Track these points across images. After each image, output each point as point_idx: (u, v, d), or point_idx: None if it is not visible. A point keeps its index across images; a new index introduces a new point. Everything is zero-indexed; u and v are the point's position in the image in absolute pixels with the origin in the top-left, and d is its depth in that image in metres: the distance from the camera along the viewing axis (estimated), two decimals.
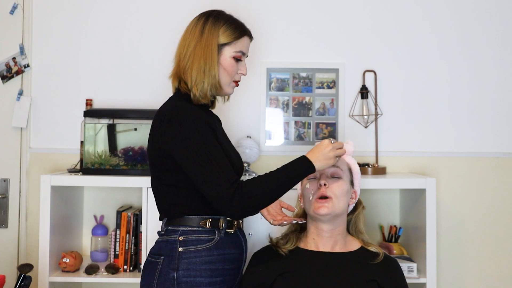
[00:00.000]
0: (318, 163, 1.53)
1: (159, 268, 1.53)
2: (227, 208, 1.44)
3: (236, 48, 1.61)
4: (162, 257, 1.54)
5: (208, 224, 1.56)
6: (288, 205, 1.75)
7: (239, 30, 1.62)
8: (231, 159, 1.57)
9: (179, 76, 1.62)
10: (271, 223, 1.71)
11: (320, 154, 1.54)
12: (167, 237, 1.57)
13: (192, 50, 1.58)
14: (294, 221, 1.71)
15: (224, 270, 1.56)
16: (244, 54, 1.64)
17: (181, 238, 1.54)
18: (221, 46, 1.59)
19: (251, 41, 1.69)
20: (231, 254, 1.59)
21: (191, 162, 1.47)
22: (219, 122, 1.83)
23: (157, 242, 1.61)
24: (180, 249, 1.53)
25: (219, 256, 1.55)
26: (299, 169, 1.52)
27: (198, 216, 1.56)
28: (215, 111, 1.79)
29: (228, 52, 1.60)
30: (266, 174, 1.51)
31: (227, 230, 1.58)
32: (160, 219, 1.65)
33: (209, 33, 1.58)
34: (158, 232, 1.64)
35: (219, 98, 1.77)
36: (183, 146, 1.47)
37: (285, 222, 1.70)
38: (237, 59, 1.62)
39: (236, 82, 1.67)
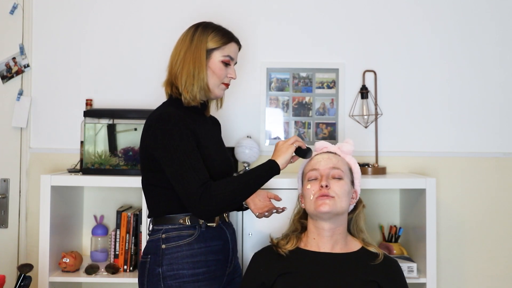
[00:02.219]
0: (279, 159, 1.64)
1: (147, 266, 1.64)
2: (195, 207, 1.54)
3: (224, 53, 1.71)
4: (149, 255, 1.65)
5: (187, 221, 1.65)
6: (275, 195, 1.84)
7: (227, 36, 1.73)
8: (213, 163, 1.66)
9: (171, 83, 1.72)
10: (256, 216, 1.80)
11: (276, 152, 1.67)
12: (152, 237, 1.68)
13: (182, 56, 1.69)
14: (274, 211, 1.79)
15: (207, 262, 1.64)
16: (232, 59, 1.73)
17: (163, 236, 1.64)
18: (209, 51, 1.70)
19: (239, 48, 1.78)
20: (213, 246, 1.67)
21: (169, 165, 1.57)
22: (216, 125, 1.91)
23: (146, 242, 1.71)
24: (163, 246, 1.63)
25: (200, 249, 1.64)
26: (263, 168, 1.62)
27: (179, 214, 1.65)
28: (215, 113, 1.84)
29: (217, 57, 1.70)
30: (235, 176, 1.62)
31: (208, 224, 1.67)
32: (148, 217, 1.75)
33: (198, 40, 1.69)
34: (147, 233, 1.74)
35: (212, 105, 1.83)
36: (163, 150, 1.58)
37: (266, 214, 1.79)
38: (226, 63, 1.71)
39: (225, 84, 1.75)
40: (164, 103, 1.75)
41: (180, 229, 1.64)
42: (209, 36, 1.69)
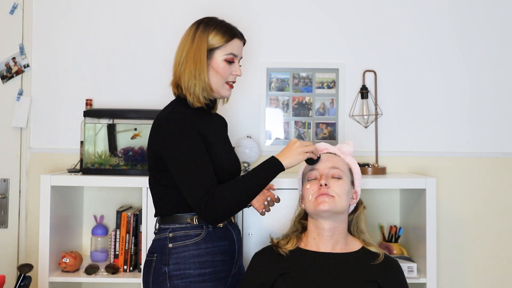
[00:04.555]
0: (286, 160, 1.58)
1: (153, 265, 1.63)
2: (201, 214, 1.53)
3: (226, 51, 1.67)
4: (155, 254, 1.64)
5: (195, 221, 1.64)
6: (269, 185, 1.80)
7: (229, 33, 1.68)
8: (222, 162, 1.65)
9: (176, 83, 1.70)
10: (260, 214, 1.81)
11: (287, 151, 1.60)
12: (159, 235, 1.66)
13: (184, 56, 1.66)
14: (269, 198, 1.79)
15: (214, 262, 1.63)
16: (236, 56, 1.69)
17: (170, 235, 1.63)
18: (211, 51, 1.66)
19: (244, 43, 1.74)
20: (220, 247, 1.66)
21: (175, 167, 1.56)
22: (224, 124, 1.89)
23: (152, 241, 1.70)
24: (170, 245, 1.62)
25: (207, 249, 1.63)
26: (267, 169, 1.58)
27: (186, 214, 1.64)
28: (218, 111, 1.83)
29: (219, 56, 1.66)
30: (236, 179, 1.58)
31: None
32: (155, 216, 1.73)
33: (199, 39, 1.65)
34: (154, 232, 1.72)
35: (219, 101, 1.81)
36: (170, 150, 1.56)
37: (266, 204, 1.79)
38: (229, 62, 1.68)
39: (230, 84, 1.72)
40: (172, 101, 1.73)
41: (187, 228, 1.63)
42: (210, 34, 1.65)
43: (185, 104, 1.67)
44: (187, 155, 1.53)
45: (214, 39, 1.65)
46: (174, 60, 1.70)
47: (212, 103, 1.74)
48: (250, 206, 1.86)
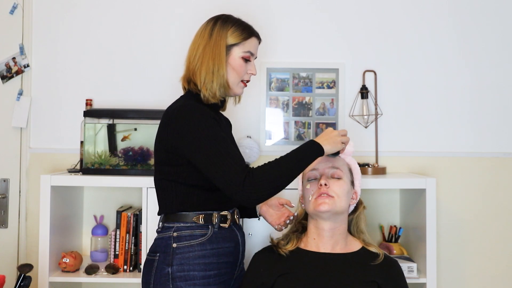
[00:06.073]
0: (326, 146, 1.56)
1: (155, 265, 1.58)
2: (239, 194, 1.45)
3: (244, 49, 1.66)
4: (158, 254, 1.59)
5: (201, 220, 1.60)
6: (286, 201, 1.77)
7: (247, 31, 1.67)
8: None
9: (188, 78, 1.67)
10: (276, 229, 1.77)
11: (327, 138, 1.59)
12: (162, 234, 1.62)
13: (201, 52, 1.63)
14: (291, 217, 1.76)
15: (218, 264, 1.60)
16: (252, 54, 1.69)
17: (175, 234, 1.59)
18: (229, 47, 1.64)
19: (259, 42, 1.73)
20: (225, 248, 1.63)
21: (201, 155, 1.50)
22: (229, 125, 1.87)
23: (154, 240, 1.66)
24: (174, 245, 1.58)
25: (212, 250, 1.59)
26: (308, 151, 1.54)
27: (192, 212, 1.60)
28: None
29: (237, 53, 1.65)
30: (275, 159, 1.53)
31: (221, 224, 1.62)
32: (159, 214, 1.69)
33: (218, 35, 1.64)
34: (156, 230, 1.68)
35: (230, 100, 1.80)
36: (192, 141, 1.51)
37: (287, 222, 1.76)
38: (246, 59, 1.67)
39: (245, 83, 1.71)
40: (182, 96, 1.69)
41: (192, 228, 1.59)
42: (229, 31, 1.64)
43: (197, 99, 1.64)
44: (212, 140, 1.49)
45: (232, 35, 1.64)
46: (188, 54, 1.68)
47: (222, 102, 1.73)
48: (260, 217, 1.82)
